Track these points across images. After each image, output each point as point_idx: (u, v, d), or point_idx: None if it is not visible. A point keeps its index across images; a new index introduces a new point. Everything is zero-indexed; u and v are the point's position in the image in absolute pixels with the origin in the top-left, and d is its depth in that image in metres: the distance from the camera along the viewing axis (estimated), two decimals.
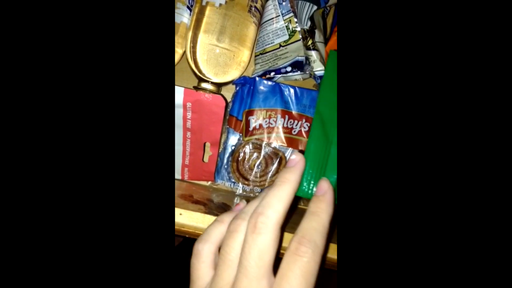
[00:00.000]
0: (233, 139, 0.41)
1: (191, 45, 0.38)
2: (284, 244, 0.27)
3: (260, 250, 0.20)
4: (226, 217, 0.24)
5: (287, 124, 0.41)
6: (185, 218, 0.30)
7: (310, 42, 0.39)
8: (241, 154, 0.41)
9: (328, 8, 0.42)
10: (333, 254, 0.30)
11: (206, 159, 0.41)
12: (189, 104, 0.35)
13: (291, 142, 0.41)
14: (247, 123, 0.41)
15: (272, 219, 0.21)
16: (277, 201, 0.22)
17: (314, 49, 0.39)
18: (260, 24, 0.41)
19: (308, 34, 0.39)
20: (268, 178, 0.42)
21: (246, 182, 0.41)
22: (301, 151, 0.41)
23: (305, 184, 0.26)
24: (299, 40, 0.39)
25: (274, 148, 0.41)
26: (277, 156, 0.41)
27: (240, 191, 0.42)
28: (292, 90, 0.41)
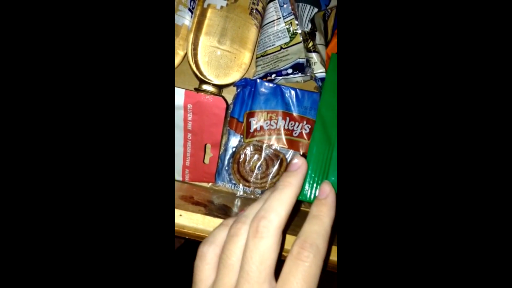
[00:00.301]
0: (234, 141, 0.41)
1: (193, 47, 0.38)
2: (287, 247, 0.27)
3: (261, 255, 0.20)
4: (232, 221, 0.24)
5: (288, 126, 0.41)
6: (185, 219, 0.30)
7: (311, 44, 0.39)
8: (242, 156, 0.41)
9: (329, 10, 0.42)
10: (334, 256, 0.30)
11: (206, 160, 0.41)
12: (189, 106, 0.35)
13: (292, 144, 0.41)
14: (248, 124, 0.41)
15: (274, 223, 0.21)
16: (279, 205, 0.22)
17: (315, 51, 0.39)
18: (261, 27, 0.41)
19: (309, 36, 0.39)
20: (269, 180, 0.42)
21: (247, 184, 0.41)
22: (303, 155, 0.41)
23: (307, 188, 0.26)
24: (300, 42, 0.40)
25: (275, 150, 0.41)
26: (278, 158, 0.41)
27: (241, 193, 0.42)
28: (293, 92, 0.41)
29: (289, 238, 0.27)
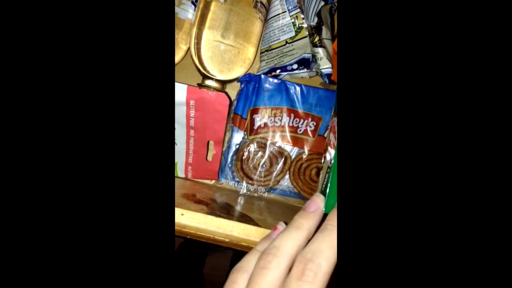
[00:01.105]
0: (238, 138, 0.41)
1: (196, 41, 0.37)
2: None
3: None
4: (264, 246, 0.23)
5: (292, 123, 0.41)
6: (187, 218, 0.29)
7: (317, 39, 0.38)
8: (246, 153, 0.41)
9: (335, 4, 0.41)
10: None
11: (209, 157, 0.40)
12: (192, 102, 0.35)
13: (297, 141, 0.41)
14: (252, 121, 0.40)
15: (323, 269, 0.19)
16: (329, 248, 0.20)
17: (321, 46, 0.38)
18: (266, 20, 0.40)
19: (315, 30, 0.38)
20: (273, 177, 0.41)
21: (250, 182, 0.41)
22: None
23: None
24: (306, 36, 0.39)
25: (279, 147, 0.41)
26: (282, 155, 0.41)
27: (244, 191, 0.41)
28: (298, 88, 0.40)
29: None
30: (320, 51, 0.38)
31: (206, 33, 0.36)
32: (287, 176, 0.41)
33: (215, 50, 0.37)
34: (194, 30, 0.37)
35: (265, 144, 0.40)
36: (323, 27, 0.39)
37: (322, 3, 0.38)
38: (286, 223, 0.24)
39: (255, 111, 0.40)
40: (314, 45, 0.38)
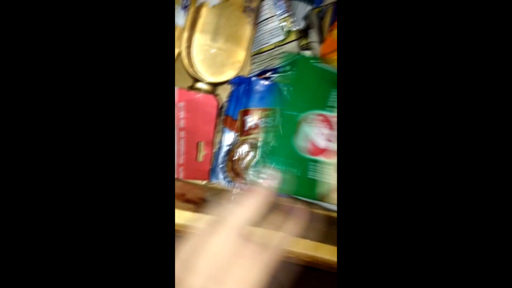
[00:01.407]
0: (229, 139, 0.41)
1: (187, 45, 0.38)
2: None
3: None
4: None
5: None
6: (176, 217, 0.30)
7: (304, 42, 0.39)
8: (237, 154, 0.41)
9: (324, 7, 0.42)
10: (334, 257, 0.29)
11: (200, 158, 0.41)
12: (181, 104, 0.36)
13: None
14: (243, 122, 0.41)
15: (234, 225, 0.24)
16: (242, 211, 0.25)
17: (308, 49, 0.39)
18: (256, 24, 0.41)
19: (303, 34, 0.39)
20: None
21: (242, 181, 0.41)
22: None
23: None
24: (295, 40, 0.39)
25: None
26: None
27: (236, 190, 0.42)
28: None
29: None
30: (308, 54, 0.39)
31: (197, 37, 0.37)
32: None
33: (206, 54, 0.37)
34: (185, 34, 0.38)
35: (257, 145, 0.41)
36: (311, 31, 0.39)
37: (310, 7, 0.39)
38: None
39: (246, 112, 0.41)
40: (302, 48, 0.39)
